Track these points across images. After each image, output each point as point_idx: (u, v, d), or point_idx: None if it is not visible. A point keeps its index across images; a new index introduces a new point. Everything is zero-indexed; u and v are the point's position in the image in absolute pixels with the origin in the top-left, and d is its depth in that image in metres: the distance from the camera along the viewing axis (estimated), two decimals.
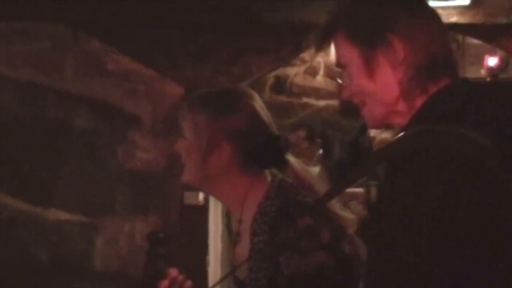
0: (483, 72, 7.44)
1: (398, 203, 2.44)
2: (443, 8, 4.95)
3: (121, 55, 5.31)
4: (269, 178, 3.27)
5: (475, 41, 6.31)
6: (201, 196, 5.36)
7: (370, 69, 2.56)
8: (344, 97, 2.75)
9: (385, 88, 2.57)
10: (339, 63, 2.73)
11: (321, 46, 2.87)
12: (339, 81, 2.68)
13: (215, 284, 3.98)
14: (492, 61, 7.33)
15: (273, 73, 7.06)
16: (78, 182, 5.48)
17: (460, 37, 7.08)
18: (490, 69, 7.37)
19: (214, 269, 5.30)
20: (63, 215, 5.51)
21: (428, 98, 2.54)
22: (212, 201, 5.43)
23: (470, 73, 7.45)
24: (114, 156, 5.46)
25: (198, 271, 5.24)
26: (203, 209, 5.32)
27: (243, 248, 3.46)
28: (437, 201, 2.34)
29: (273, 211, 3.12)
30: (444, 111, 2.50)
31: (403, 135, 2.56)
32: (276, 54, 3.72)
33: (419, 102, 2.52)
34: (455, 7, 4.90)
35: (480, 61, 7.46)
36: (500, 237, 2.37)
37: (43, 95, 5.47)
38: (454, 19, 4.92)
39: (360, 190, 6.13)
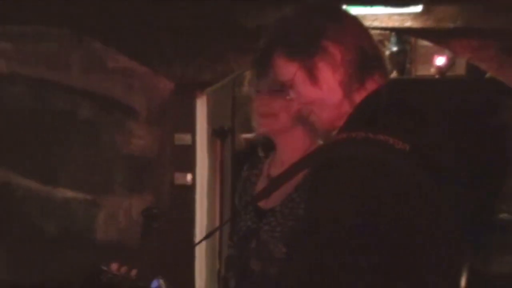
0: (432, 70, 7.54)
1: (318, 212, 2.63)
2: (399, 14, 5.08)
3: (119, 55, 5.46)
4: None
5: (425, 43, 6.41)
6: (189, 177, 5.48)
7: (313, 77, 2.65)
8: (293, 113, 2.91)
9: (330, 92, 2.68)
10: (282, 84, 2.76)
11: (264, 70, 2.91)
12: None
13: (226, 222, 4.09)
14: (440, 60, 7.44)
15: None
16: (82, 165, 5.62)
17: (413, 39, 7.19)
18: (439, 68, 7.48)
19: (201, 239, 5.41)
20: (69, 194, 5.65)
21: (364, 97, 2.68)
22: (198, 181, 5.55)
23: (421, 71, 7.57)
24: (113, 142, 5.59)
25: (185, 242, 5.36)
26: (191, 189, 5.45)
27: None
28: (355, 212, 2.47)
29: None
30: (369, 119, 2.65)
31: (326, 143, 2.74)
32: (253, 54, 3.87)
33: (358, 97, 2.63)
34: (409, 14, 5.03)
35: (430, 60, 7.55)
36: (414, 240, 2.55)
37: (52, 89, 5.61)
38: (408, 24, 5.05)
39: None
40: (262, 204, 3.60)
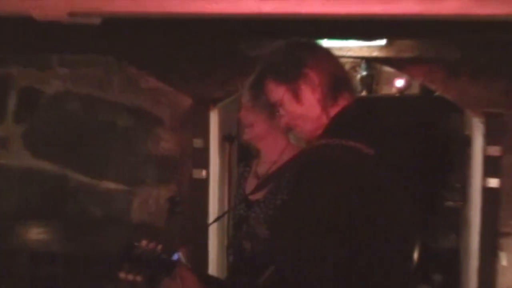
0: (393, 90, 7.53)
1: (300, 205, 2.65)
2: (368, 46, 5.13)
3: (150, 77, 5.47)
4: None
5: (388, 68, 6.40)
6: (204, 172, 5.52)
7: (297, 97, 2.84)
8: (283, 125, 3.03)
9: (311, 108, 2.85)
10: (273, 103, 2.92)
11: (258, 92, 3.13)
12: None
13: (231, 208, 4.15)
14: (399, 82, 7.44)
15: None
16: (121, 163, 5.66)
17: (378, 66, 7.21)
18: (398, 88, 7.48)
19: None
20: (111, 185, 5.70)
21: (337, 111, 2.80)
22: (211, 176, 5.63)
23: (385, 90, 7.59)
24: (145, 145, 5.63)
25: (201, 223, 5.37)
26: (206, 182, 5.49)
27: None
28: (328, 203, 2.55)
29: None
30: (343, 128, 2.77)
31: (309, 147, 2.89)
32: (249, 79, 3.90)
33: (332, 112, 2.79)
34: (376, 46, 5.07)
35: (391, 82, 7.53)
36: (373, 231, 2.64)
37: (98, 104, 5.64)
38: (375, 54, 5.10)
39: None
40: (251, 196, 3.71)
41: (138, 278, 2.92)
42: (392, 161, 2.91)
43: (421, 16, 3.08)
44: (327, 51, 2.97)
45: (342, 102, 2.84)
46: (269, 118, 3.67)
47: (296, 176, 2.83)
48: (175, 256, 2.95)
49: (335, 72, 2.89)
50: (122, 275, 2.92)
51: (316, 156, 2.76)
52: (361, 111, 2.92)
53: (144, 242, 2.95)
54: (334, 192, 2.59)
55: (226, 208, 5.56)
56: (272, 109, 3.04)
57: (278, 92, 2.86)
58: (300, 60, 2.83)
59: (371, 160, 2.73)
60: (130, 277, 2.93)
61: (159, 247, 2.95)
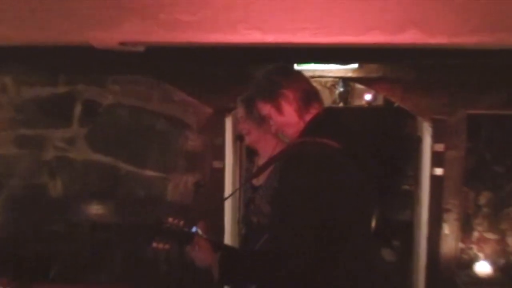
0: (363, 102, 7.53)
1: (286, 185, 2.80)
2: (344, 68, 5.12)
3: (181, 92, 5.45)
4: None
5: (359, 85, 6.40)
6: (221, 164, 5.55)
7: (280, 111, 2.96)
8: (273, 131, 3.12)
9: (290, 117, 2.96)
10: (263, 116, 3.10)
11: (250, 109, 3.39)
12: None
13: (240, 187, 4.17)
14: (368, 96, 7.44)
15: None
16: (159, 156, 5.65)
17: (352, 83, 7.20)
18: (367, 101, 7.48)
19: (228, 201, 5.41)
20: (152, 173, 5.69)
21: (310, 118, 2.98)
22: (227, 166, 5.63)
23: (357, 102, 7.62)
24: (177, 143, 5.63)
25: (219, 202, 5.34)
26: (222, 170, 5.51)
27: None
28: (305, 183, 2.73)
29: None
30: (315, 129, 2.84)
31: (289, 144, 2.98)
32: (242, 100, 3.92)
33: (307, 118, 2.92)
34: (350, 68, 5.05)
35: (362, 96, 7.53)
36: (339, 203, 2.80)
37: (141, 112, 5.64)
38: (349, 74, 5.12)
39: None
40: (255, 182, 3.76)
41: (166, 247, 3.01)
42: (353, 152, 2.99)
43: (385, 45, 3.08)
44: (298, 73, 3.19)
45: (314, 111, 3.02)
46: (260, 126, 3.76)
47: (281, 166, 2.95)
48: (194, 229, 3.04)
49: (305, 88, 3.08)
50: (154, 244, 3.00)
51: (296, 150, 2.98)
52: (328, 117, 3.13)
53: (170, 219, 3.03)
54: (310, 176, 2.77)
55: (237, 191, 5.55)
56: (261, 120, 3.20)
57: (265, 108, 3.06)
58: (278, 83, 3.05)
59: (337, 152, 2.87)
60: (161, 246, 3.00)
61: (181, 222, 3.02)
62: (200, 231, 3.03)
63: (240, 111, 3.79)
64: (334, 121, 3.12)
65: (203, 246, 2.99)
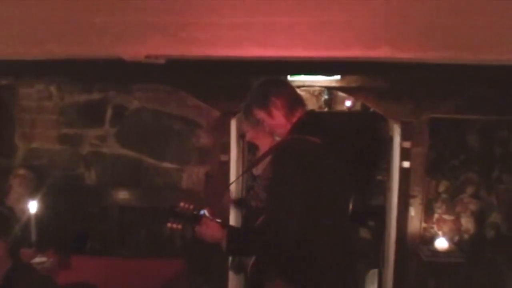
0: (345, 107, 7.52)
1: (276, 174, 2.88)
2: (329, 80, 5.12)
3: (194, 98, 5.46)
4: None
5: (341, 93, 6.38)
6: (227, 157, 5.52)
7: (270, 115, 3.01)
8: (266, 131, 3.18)
9: (280, 120, 3.02)
10: (257, 121, 3.15)
11: (248, 115, 3.51)
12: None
13: (243, 173, 4.17)
14: (348, 103, 7.43)
15: None
16: (176, 151, 5.66)
17: (335, 92, 7.21)
18: (348, 107, 7.47)
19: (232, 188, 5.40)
20: (169, 165, 5.71)
21: (295, 120, 3.03)
22: (232, 159, 5.59)
23: (339, 108, 7.60)
24: (191, 140, 5.64)
25: (224, 187, 5.33)
26: (228, 163, 5.49)
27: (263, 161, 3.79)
28: (292, 173, 2.78)
29: None
30: (299, 129, 2.89)
31: (279, 141, 3.02)
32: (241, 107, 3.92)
33: (293, 120, 2.94)
34: (333, 79, 5.04)
35: (343, 102, 7.52)
36: (319, 188, 2.87)
37: (161, 115, 5.65)
38: (333, 84, 5.12)
39: None
40: (255, 172, 3.81)
41: (179, 227, 3.03)
42: (333, 147, 3.02)
43: (363, 59, 3.10)
44: (286, 83, 3.27)
45: (298, 114, 3.07)
46: (257, 127, 3.84)
47: (272, 159, 3.00)
48: (202, 212, 3.03)
49: (292, 96, 3.15)
50: (168, 225, 3.05)
51: (283, 145, 2.98)
52: (310, 118, 3.19)
53: (181, 203, 3.05)
54: (294, 166, 2.81)
55: (240, 179, 5.55)
56: (257, 122, 3.21)
57: (259, 114, 3.14)
58: (268, 93, 3.05)
59: (318, 147, 2.90)
60: (174, 226, 3.03)
61: (191, 206, 3.02)
62: (207, 214, 3.05)
63: (241, 116, 3.86)
64: (315, 122, 3.18)
65: (211, 225, 3.00)
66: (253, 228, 3.03)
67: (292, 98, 3.12)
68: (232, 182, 5.07)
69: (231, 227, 3.31)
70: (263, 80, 3.19)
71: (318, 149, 2.93)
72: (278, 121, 3.06)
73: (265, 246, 2.80)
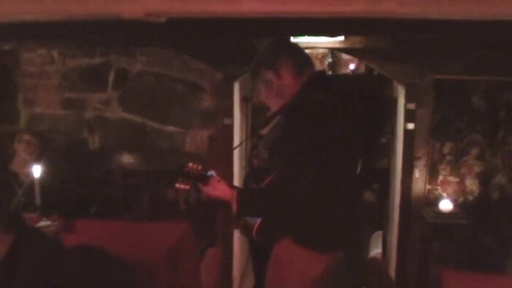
0: (348, 70, 7.51)
1: (288, 133, 2.88)
2: (332, 41, 5.07)
3: (197, 60, 5.45)
4: None
5: (345, 55, 6.37)
6: (231, 120, 5.52)
7: (279, 75, 3.00)
8: (274, 92, 3.13)
9: (288, 81, 2.98)
10: (266, 81, 3.10)
11: (256, 75, 3.21)
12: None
13: (251, 133, 4.16)
14: (352, 66, 7.41)
15: None
16: (179, 114, 5.67)
17: (339, 54, 7.19)
18: (352, 70, 7.45)
19: (236, 150, 5.40)
20: (173, 129, 5.71)
21: (304, 80, 3.04)
22: (235, 122, 5.61)
23: (342, 70, 7.56)
24: (194, 103, 5.63)
25: (229, 151, 5.33)
26: (231, 127, 5.51)
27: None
28: (304, 133, 2.80)
29: None
30: (309, 88, 2.86)
31: (291, 101, 2.92)
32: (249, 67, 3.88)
33: (302, 80, 2.92)
34: (337, 40, 4.99)
35: (347, 65, 7.51)
36: (331, 147, 2.87)
37: (164, 78, 5.67)
38: (336, 45, 5.06)
39: None
40: (261, 131, 3.80)
41: (187, 187, 3.05)
42: (342, 109, 2.99)
43: (367, 13, 3.04)
44: (294, 44, 3.23)
45: (306, 75, 3.01)
46: (266, 87, 3.79)
47: (284, 118, 2.97)
48: (209, 173, 3.07)
49: (300, 57, 3.15)
50: (177, 185, 3.07)
51: (294, 105, 2.92)
52: (319, 78, 3.11)
53: (190, 164, 3.07)
54: (307, 125, 2.83)
55: (243, 143, 5.55)
56: (266, 83, 3.16)
57: (267, 74, 3.09)
58: (277, 54, 3.02)
59: (328, 107, 2.86)
60: (182, 186, 3.04)
61: (200, 167, 3.02)
62: (215, 174, 3.06)
63: (250, 76, 3.83)
64: (324, 82, 3.16)
65: (221, 184, 3.04)
66: (263, 188, 3.03)
67: (301, 58, 3.14)
68: (237, 146, 5.09)
69: (238, 187, 3.33)
70: (271, 40, 3.19)
71: (328, 109, 2.93)
72: (287, 82, 3.07)
73: (276, 206, 2.87)
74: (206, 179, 3.05)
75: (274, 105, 4.10)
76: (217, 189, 3.04)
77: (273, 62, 3.07)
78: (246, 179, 3.89)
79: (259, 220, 3.09)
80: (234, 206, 2.98)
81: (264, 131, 4.11)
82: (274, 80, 3.08)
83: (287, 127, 2.94)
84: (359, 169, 3.18)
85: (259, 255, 4.28)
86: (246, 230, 3.29)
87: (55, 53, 5.87)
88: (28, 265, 2.48)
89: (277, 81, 3.08)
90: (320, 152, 2.83)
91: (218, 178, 3.07)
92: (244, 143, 5.61)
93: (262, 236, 3.14)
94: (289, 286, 3.11)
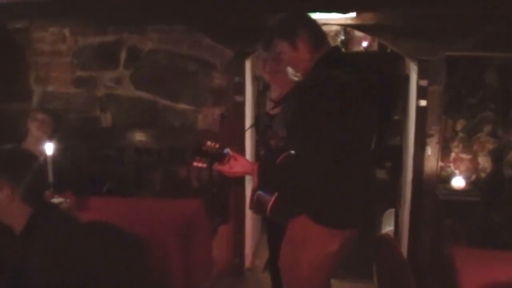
0: (361, 48, 7.49)
1: (306, 108, 2.90)
2: (344, 17, 5.05)
3: (208, 38, 5.45)
4: None
5: (358, 32, 6.36)
6: (242, 98, 5.52)
7: (295, 47, 2.98)
8: (285, 65, 3.16)
9: (303, 53, 2.98)
10: (279, 53, 3.14)
11: (267, 48, 3.26)
12: None
13: (266, 113, 4.20)
14: (365, 43, 7.39)
15: None
16: (191, 92, 5.72)
17: (351, 31, 7.16)
18: (364, 47, 7.43)
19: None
20: (185, 106, 5.73)
21: (320, 55, 2.89)
22: (247, 99, 5.61)
23: (355, 48, 7.55)
24: (204, 80, 5.66)
25: (241, 130, 5.35)
26: (243, 104, 5.53)
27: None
28: (322, 105, 2.83)
29: None
30: (326, 64, 2.87)
31: (305, 79, 2.97)
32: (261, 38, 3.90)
33: (317, 55, 2.89)
34: (349, 17, 4.98)
35: (360, 43, 7.49)
36: (349, 123, 2.93)
37: (174, 56, 5.68)
38: (348, 22, 5.04)
39: None
40: (271, 112, 3.80)
41: (204, 165, 3.06)
42: (358, 85, 2.99)
43: None
44: (311, 18, 3.13)
45: (322, 50, 2.98)
46: (275, 62, 3.81)
47: (302, 92, 2.95)
48: (225, 150, 3.09)
49: (316, 31, 3.09)
50: (194, 163, 3.09)
51: (313, 79, 2.90)
52: (335, 54, 3.07)
53: (208, 142, 3.09)
54: (326, 100, 2.84)
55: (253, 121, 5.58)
56: (276, 57, 3.17)
57: (281, 45, 3.11)
58: (294, 24, 3.01)
59: (345, 84, 2.85)
60: (200, 164, 3.05)
61: (217, 145, 3.05)
62: (231, 152, 3.09)
63: (261, 50, 3.82)
64: (340, 58, 3.17)
65: (241, 160, 3.08)
66: (283, 162, 3.06)
67: (318, 33, 3.15)
68: (250, 127, 5.11)
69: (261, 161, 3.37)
70: (288, 12, 3.19)
71: (345, 85, 2.94)
72: (302, 55, 3.08)
73: (296, 180, 2.94)
74: (223, 157, 3.08)
75: (278, 82, 4.12)
76: (239, 163, 3.07)
77: (290, 32, 3.08)
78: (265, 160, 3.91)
79: (273, 198, 3.13)
80: (255, 179, 3.06)
81: (275, 111, 4.09)
82: (287, 52, 3.10)
83: (304, 102, 2.95)
84: (373, 146, 3.21)
85: (273, 233, 4.31)
86: (259, 208, 3.33)
87: (67, 31, 5.90)
88: (45, 240, 2.54)
89: (291, 53, 3.10)
90: (337, 128, 2.86)
91: (235, 155, 3.11)
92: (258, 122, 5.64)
93: (276, 214, 3.19)
94: (304, 263, 3.16)
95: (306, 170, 2.85)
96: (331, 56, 3.11)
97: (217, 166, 3.10)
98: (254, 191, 3.39)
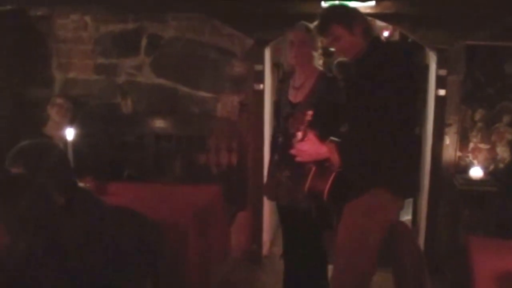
0: (382, 38, 7.48)
1: (390, 76, 3.04)
2: (364, 6, 5.07)
3: (228, 26, 5.50)
4: None
5: (379, 22, 6.35)
6: (261, 86, 5.51)
7: (352, 32, 3.32)
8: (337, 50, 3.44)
9: (359, 37, 3.17)
10: (335, 37, 3.29)
11: (323, 32, 3.37)
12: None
13: (307, 97, 4.24)
14: (386, 33, 7.42)
15: None
16: (211, 80, 5.83)
17: (372, 19, 7.16)
18: (385, 37, 7.46)
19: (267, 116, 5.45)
20: (205, 94, 5.84)
21: (370, 40, 3.31)
22: (266, 88, 5.59)
23: None
24: (225, 69, 5.74)
25: (259, 117, 5.39)
26: (262, 92, 5.52)
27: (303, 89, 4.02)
28: (396, 78, 3.03)
29: None
30: (375, 45, 3.09)
31: (365, 55, 3.28)
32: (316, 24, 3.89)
33: (367, 41, 3.12)
34: (368, 5, 4.99)
35: (381, 32, 7.51)
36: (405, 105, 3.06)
37: (196, 44, 5.78)
38: (368, 10, 5.04)
39: None
40: (293, 99, 3.86)
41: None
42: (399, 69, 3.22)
43: None
44: (358, 10, 3.46)
45: (370, 37, 3.32)
46: (311, 49, 3.91)
47: (375, 66, 3.17)
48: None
49: (367, 20, 3.42)
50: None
51: (384, 52, 3.32)
52: (379, 42, 3.48)
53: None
54: (404, 70, 3.14)
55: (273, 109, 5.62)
56: (335, 39, 3.29)
57: (338, 30, 3.27)
58: (352, 12, 3.35)
59: (395, 67, 3.13)
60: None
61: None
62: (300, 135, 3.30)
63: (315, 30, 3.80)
64: (383, 46, 3.57)
65: (315, 141, 3.26)
66: (356, 137, 3.18)
67: (367, 22, 3.41)
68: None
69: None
70: (338, 3, 3.47)
71: (396, 70, 3.15)
72: (357, 39, 3.32)
73: (372, 152, 3.08)
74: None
75: (308, 70, 4.15)
76: (315, 144, 3.24)
77: (348, 19, 3.28)
78: (282, 149, 3.95)
79: (328, 184, 3.26)
80: (336, 158, 3.15)
81: (298, 99, 4.09)
82: (346, 36, 3.27)
83: (380, 74, 3.11)
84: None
85: (287, 223, 4.35)
86: (314, 195, 3.41)
87: (88, 18, 6.00)
88: (80, 222, 2.60)
89: (349, 37, 3.28)
90: (412, 98, 3.16)
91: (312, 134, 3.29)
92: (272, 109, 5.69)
93: (334, 198, 3.31)
94: (370, 231, 3.25)
95: (388, 140, 3.02)
96: (377, 44, 3.40)
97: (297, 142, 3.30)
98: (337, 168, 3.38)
